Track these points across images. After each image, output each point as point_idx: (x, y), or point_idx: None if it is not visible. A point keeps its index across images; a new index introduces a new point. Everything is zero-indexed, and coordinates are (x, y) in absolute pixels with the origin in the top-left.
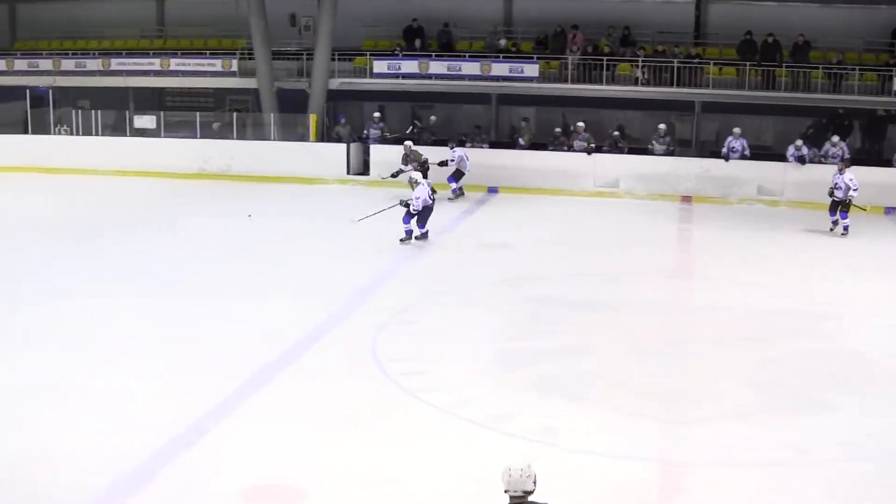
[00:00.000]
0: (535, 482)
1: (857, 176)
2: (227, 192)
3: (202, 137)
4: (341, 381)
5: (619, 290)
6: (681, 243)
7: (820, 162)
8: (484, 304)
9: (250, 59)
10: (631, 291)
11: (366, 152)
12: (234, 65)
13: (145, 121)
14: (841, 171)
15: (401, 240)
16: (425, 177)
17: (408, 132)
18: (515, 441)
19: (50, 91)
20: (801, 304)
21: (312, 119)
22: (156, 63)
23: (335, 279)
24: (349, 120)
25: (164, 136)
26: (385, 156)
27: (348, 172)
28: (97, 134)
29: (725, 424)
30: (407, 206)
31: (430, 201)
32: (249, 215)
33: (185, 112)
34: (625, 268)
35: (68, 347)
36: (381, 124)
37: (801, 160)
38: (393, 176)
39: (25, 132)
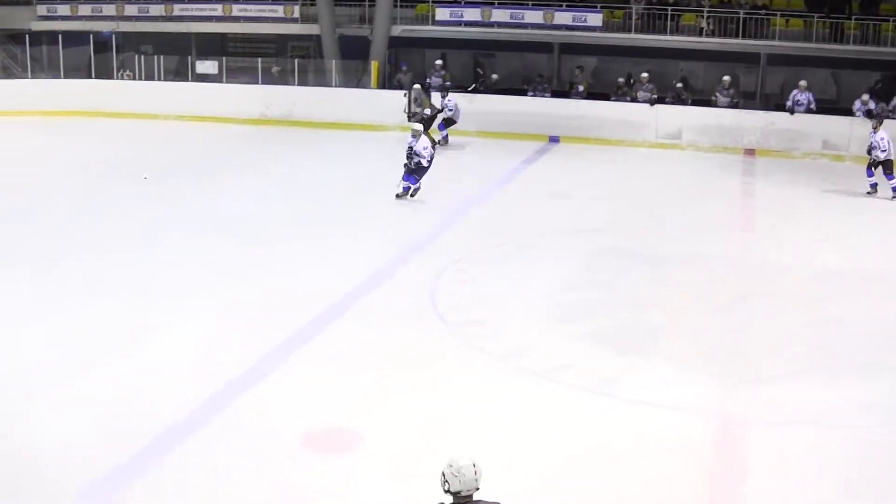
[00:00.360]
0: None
1: None
2: (288, 138)
3: (264, 83)
4: (400, 328)
5: (681, 244)
6: (743, 198)
7: (888, 117)
8: (544, 255)
9: (312, 5)
10: (692, 245)
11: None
12: (296, 11)
13: (207, 66)
14: (875, 130)
15: (397, 195)
16: (429, 128)
17: (470, 88)
18: (573, 391)
19: (113, 36)
20: (865, 264)
21: (374, 66)
22: (218, 9)
23: (395, 226)
24: (411, 67)
25: (226, 82)
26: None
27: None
28: (159, 79)
29: (785, 383)
30: (417, 164)
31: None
32: (145, 177)
33: (246, 58)
34: (686, 221)
35: (134, 290)
36: (443, 72)
37: (868, 115)
38: (411, 116)
39: (89, 77)
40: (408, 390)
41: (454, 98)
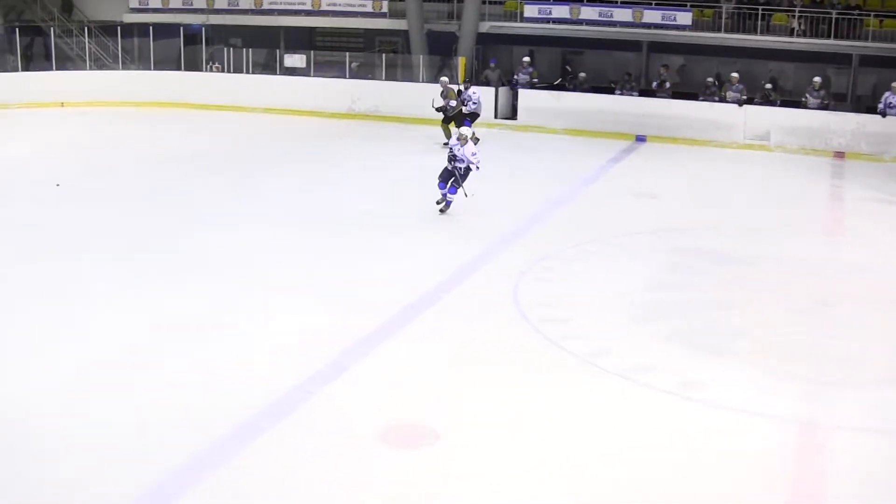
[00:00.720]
0: None
1: None
2: (375, 133)
3: (351, 77)
4: (481, 324)
5: (767, 246)
6: (831, 201)
7: None
8: (628, 254)
9: (400, 0)
10: (779, 247)
11: (514, 97)
12: (385, 6)
13: (295, 60)
14: None
15: (441, 210)
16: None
17: (556, 83)
18: (653, 393)
19: (203, 29)
20: None
21: (461, 62)
22: (307, 3)
23: (481, 221)
24: (499, 64)
25: (314, 76)
26: (533, 101)
27: (496, 116)
28: (248, 72)
29: (871, 388)
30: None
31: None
32: (58, 185)
33: (334, 52)
34: (774, 223)
35: (223, 279)
36: (531, 69)
37: None
38: (440, 110)
39: (178, 69)
40: (487, 388)
41: (477, 91)
